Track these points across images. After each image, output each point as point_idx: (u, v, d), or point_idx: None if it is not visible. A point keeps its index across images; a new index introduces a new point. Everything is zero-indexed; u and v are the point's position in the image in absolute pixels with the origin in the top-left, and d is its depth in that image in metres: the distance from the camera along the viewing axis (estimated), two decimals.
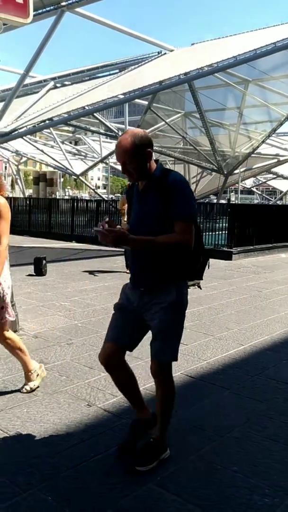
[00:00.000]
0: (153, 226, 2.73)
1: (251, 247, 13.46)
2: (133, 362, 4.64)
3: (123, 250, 10.01)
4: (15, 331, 5.44)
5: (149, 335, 2.94)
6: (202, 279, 2.99)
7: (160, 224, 2.72)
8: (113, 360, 2.97)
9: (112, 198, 32.90)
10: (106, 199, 25.57)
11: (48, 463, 2.92)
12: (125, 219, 9.68)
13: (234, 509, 2.56)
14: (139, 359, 4.72)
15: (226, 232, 12.98)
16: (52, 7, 11.98)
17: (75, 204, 17.73)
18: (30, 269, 9.44)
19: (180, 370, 4.49)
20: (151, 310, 2.83)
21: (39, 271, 9.29)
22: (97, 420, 3.48)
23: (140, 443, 3.00)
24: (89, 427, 3.37)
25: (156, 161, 2.86)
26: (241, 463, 3.00)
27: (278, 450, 3.15)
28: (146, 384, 4.12)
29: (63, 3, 11.87)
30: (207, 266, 2.99)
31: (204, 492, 2.70)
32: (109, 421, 3.47)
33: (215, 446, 3.20)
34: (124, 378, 3.09)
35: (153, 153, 2.81)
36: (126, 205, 9.49)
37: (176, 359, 2.89)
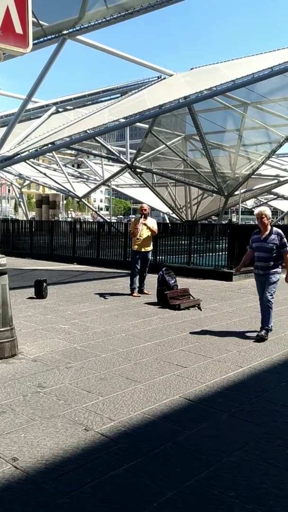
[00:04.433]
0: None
1: (252, 268, 13.42)
2: (132, 385, 4.64)
3: (130, 272, 10.09)
4: (14, 355, 5.46)
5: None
6: None
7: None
8: None
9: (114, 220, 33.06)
10: (108, 220, 25.73)
11: (43, 489, 2.90)
12: (138, 237, 9.79)
13: None
14: (138, 383, 4.72)
15: (226, 252, 12.98)
16: (53, 36, 12.29)
17: (77, 226, 17.85)
18: (31, 291, 9.47)
19: (179, 393, 4.48)
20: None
21: (40, 293, 9.31)
22: (94, 445, 3.46)
23: None
24: (86, 452, 3.36)
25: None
26: (239, 488, 2.98)
27: (276, 475, 3.13)
28: (144, 408, 4.11)
29: (65, 32, 12.17)
30: None
31: None
32: (106, 446, 3.45)
33: (213, 470, 3.18)
34: None
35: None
36: (138, 225, 9.69)
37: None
